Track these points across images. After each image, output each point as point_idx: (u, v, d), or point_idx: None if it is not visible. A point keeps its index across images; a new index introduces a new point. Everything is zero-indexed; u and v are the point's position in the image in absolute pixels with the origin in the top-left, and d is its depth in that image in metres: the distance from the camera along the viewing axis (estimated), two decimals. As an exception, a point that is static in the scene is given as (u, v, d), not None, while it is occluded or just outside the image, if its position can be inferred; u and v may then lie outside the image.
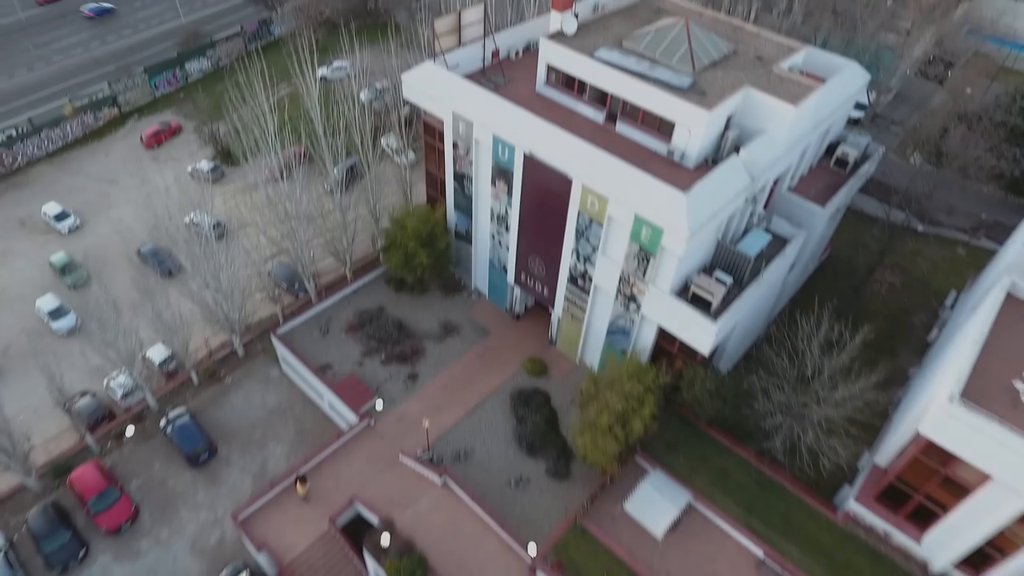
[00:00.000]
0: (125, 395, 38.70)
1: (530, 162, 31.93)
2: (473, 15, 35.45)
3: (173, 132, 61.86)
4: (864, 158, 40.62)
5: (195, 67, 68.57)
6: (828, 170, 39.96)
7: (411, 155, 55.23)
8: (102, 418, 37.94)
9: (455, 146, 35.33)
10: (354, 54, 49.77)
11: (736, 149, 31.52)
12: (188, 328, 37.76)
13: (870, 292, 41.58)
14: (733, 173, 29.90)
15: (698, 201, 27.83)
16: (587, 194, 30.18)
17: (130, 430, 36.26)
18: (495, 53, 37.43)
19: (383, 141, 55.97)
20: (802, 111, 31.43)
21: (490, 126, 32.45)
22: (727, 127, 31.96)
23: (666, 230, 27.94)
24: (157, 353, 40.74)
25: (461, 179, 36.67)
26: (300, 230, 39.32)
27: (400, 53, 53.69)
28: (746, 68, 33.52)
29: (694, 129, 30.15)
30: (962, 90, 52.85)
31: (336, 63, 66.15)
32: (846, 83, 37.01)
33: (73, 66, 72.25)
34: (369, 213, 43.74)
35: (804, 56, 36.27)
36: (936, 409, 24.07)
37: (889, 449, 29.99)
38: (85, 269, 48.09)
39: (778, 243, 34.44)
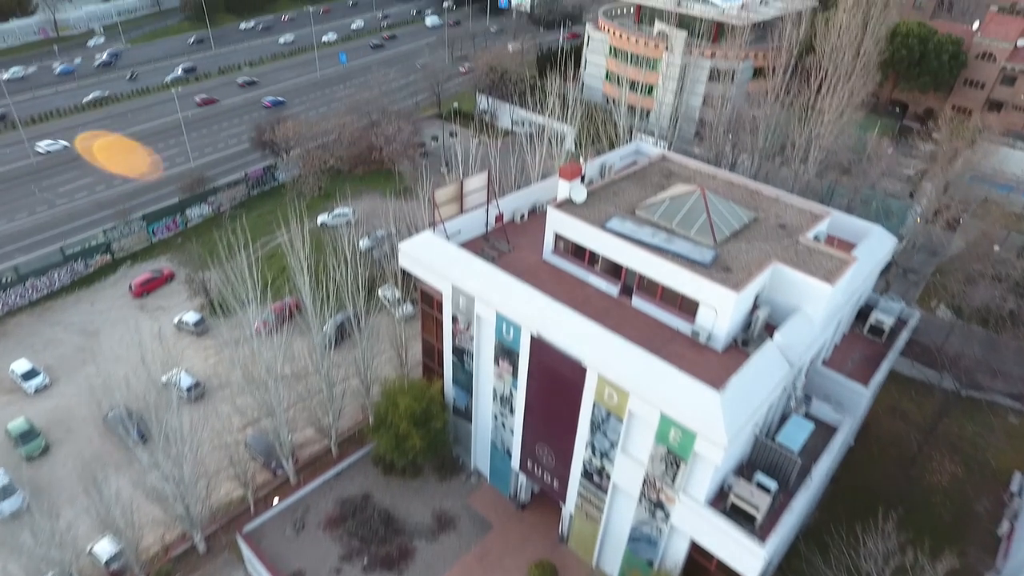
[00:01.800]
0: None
1: (538, 344, 28.47)
2: (476, 182, 33.66)
3: (165, 279, 59.63)
4: (899, 324, 37.42)
5: (195, 212, 67.91)
6: (861, 338, 36.60)
7: (409, 307, 52.59)
8: (26, 636, 31.71)
9: (454, 319, 32.14)
10: (356, 202, 48.42)
11: (768, 329, 28.30)
12: (142, 524, 32.62)
13: (926, 482, 36.62)
14: (771, 362, 26.29)
15: (735, 400, 23.96)
16: (604, 385, 26.40)
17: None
18: (499, 217, 35.32)
19: (380, 292, 53.52)
20: (838, 288, 28.46)
21: (493, 303, 29.36)
22: (756, 305, 28.83)
23: (699, 435, 23.82)
24: (104, 549, 35.10)
25: (461, 353, 33.15)
26: (279, 407, 35.19)
27: (403, 201, 52.62)
28: (770, 239, 31.03)
29: (721, 310, 26.95)
30: (983, 243, 50.91)
31: (337, 210, 65.41)
32: (875, 250, 34.47)
33: (75, 210, 71.74)
34: (359, 381, 39.75)
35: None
36: None
37: None
38: (44, 438, 43.52)
39: (822, 431, 30.20)
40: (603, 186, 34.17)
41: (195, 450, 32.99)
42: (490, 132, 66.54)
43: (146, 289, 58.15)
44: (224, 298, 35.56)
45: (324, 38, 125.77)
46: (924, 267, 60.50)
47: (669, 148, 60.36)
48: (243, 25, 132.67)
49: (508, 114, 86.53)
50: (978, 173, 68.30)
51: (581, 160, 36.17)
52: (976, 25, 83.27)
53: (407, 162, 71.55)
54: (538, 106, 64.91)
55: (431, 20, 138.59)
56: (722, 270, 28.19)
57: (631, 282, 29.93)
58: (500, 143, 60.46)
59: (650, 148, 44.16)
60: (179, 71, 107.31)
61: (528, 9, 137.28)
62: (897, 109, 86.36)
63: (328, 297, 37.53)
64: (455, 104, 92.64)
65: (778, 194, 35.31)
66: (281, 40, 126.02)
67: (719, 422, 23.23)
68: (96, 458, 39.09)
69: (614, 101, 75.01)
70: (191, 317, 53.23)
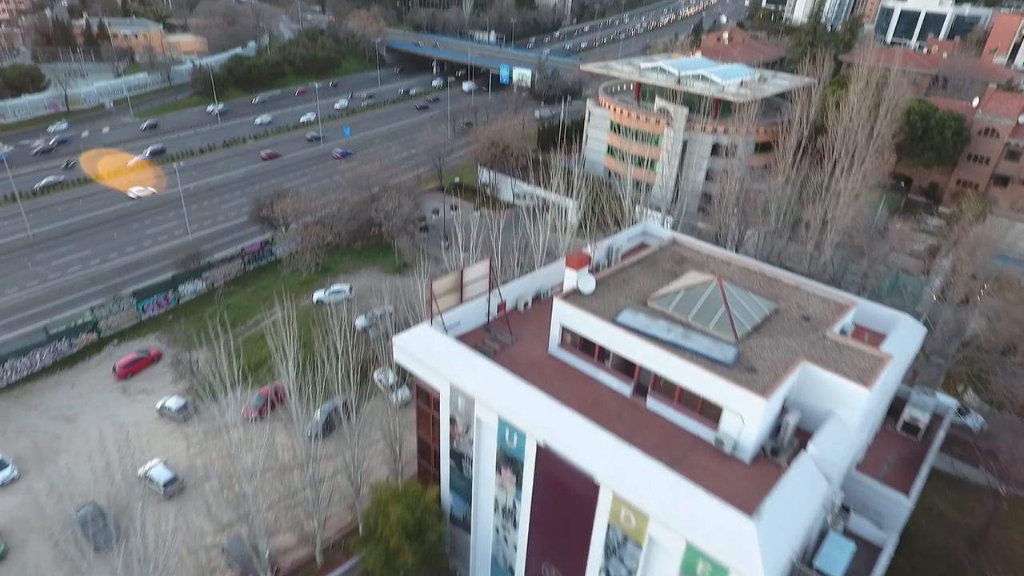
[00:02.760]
0: None
1: (545, 454, 25.63)
2: (477, 271, 31.65)
3: (152, 360, 56.97)
4: (935, 420, 34.52)
5: (188, 289, 65.95)
6: (895, 435, 33.61)
7: (406, 392, 49.74)
8: None
9: (452, 421, 29.37)
10: (354, 278, 46.15)
11: (798, 434, 25.56)
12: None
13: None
14: (807, 478, 23.37)
15: (771, 528, 20.92)
16: (620, 505, 23.41)
17: None
18: (501, 306, 33.11)
19: (375, 375, 50.77)
20: (875, 391, 25.84)
21: (495, 407, 26.70)
22: (785, 409, 26.16)
23: (732, 570, 20.67)
24: None
25: (459, 458, 30.19)
26: (257, 514, 31.84)
27: (402, 278, 50.61)
28: (795, 333, 28.65)
29: (748, 417, 24.27)
30: (1012, 327, 48.35)
31: (334, 286, 63.56)
32: (906, 342, 32.04)
33: (67, 284, 69.95)
34: (348, 481, 36.47)
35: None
36: None
37: None
38: (4, 541, 39.88)
39: (863, 548, 26.86)
40: (612, 274, 32.14)
41: (162, 566, 29.46)
42: (491, 205, 65.62)
43: (131, 371, 55.42)
44: (201, 389, 32.92)
45: (302, 118, 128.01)
46: (946, 347, 57.82)
47: (676, 225, 59.05)
48: (210, 108, 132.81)
49: (509, 187, 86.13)
50: (998, 250, 66.51)
51: (587, 246, 34.26)
52: (976, 102, 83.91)
53: (406, 238, 70.18)
54: (540, 181, 64.03)
55: (467, 85, 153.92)
56: (746, 370, 25.69)
57: (645, 381, 27.37)
58: (502, 216, 59.25)
59: (658, 229, 42.56)
60: (147, 153, 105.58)
61: (529, 84, 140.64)
62: (902, 183, 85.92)
63: (316, 389, 34.83)
64: (457, 178, 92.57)
65: (798, 281, 33.23)
66: (257, 121, 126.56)
67: (755, 556, 20.14)
68: (53, 569, 35.45)
69: (617, 175, 74.48)
70: (174, 403, 50.26)
